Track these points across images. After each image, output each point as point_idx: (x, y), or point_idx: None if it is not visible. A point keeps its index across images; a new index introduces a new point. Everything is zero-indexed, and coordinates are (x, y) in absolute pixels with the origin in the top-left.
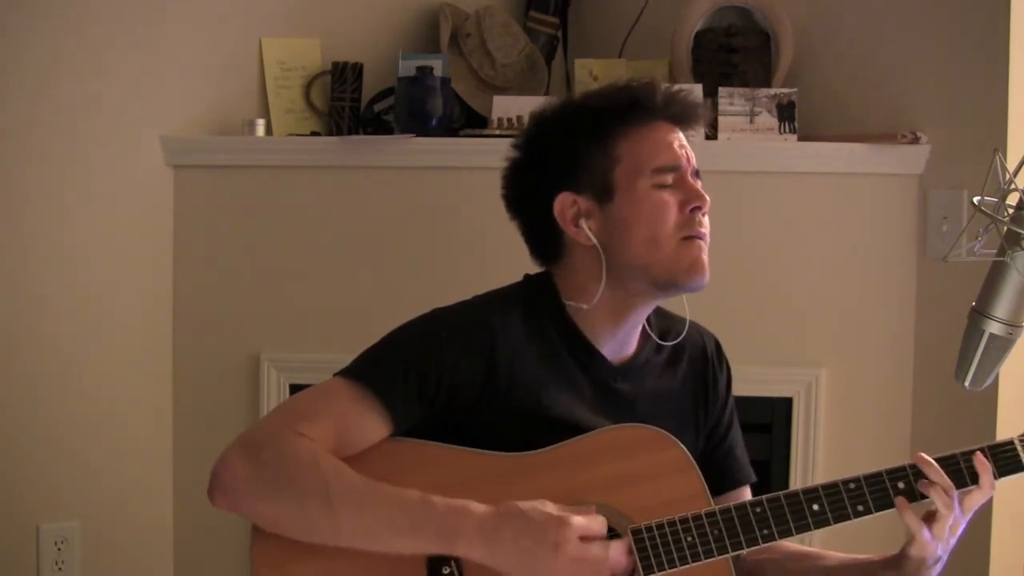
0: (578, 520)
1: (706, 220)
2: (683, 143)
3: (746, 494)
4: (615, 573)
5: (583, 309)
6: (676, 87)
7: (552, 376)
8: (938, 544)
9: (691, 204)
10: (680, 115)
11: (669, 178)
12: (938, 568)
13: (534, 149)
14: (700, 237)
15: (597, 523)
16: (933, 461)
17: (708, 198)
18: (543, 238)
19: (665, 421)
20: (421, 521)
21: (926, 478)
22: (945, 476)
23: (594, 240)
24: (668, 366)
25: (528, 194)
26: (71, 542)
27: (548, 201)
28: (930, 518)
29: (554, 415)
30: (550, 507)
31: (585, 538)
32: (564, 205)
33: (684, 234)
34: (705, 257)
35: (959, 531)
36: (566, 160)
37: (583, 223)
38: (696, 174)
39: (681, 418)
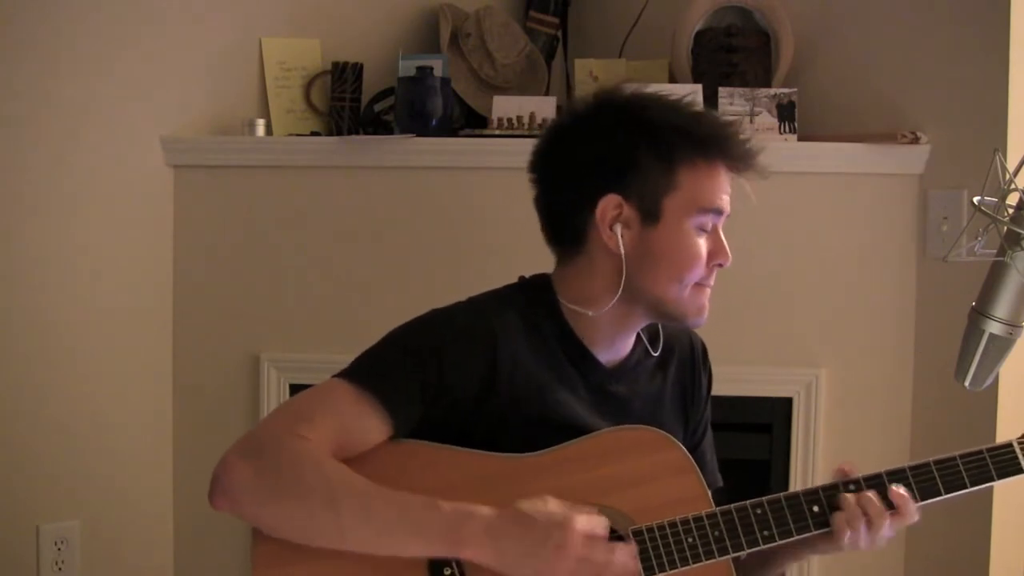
0: (582, 520)
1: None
2: (729, 190)
3: None
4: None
5: (587, 315)
6: (750, 139)
7: (551, 377)
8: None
9: (717, 259)
10: (745, 168)
11: (710, 223)
12: None
13: (596, 132)
14: (710, 286)
15: (600, 524)
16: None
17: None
18: (568, 222)
19: (659, 421)
20: (426, 523)
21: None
22: (855, 507)
23: (622, 251)
24: (659, 367)
25: (575, 174)
26: (71, 542)
27: (594, 193)
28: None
29: (555, 416)
30: (553, 506)
31: (590, 538)
32: (608, 206)
33: (700, 282)
34: (707, 302)
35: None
36: (626, 163)
37: (618, 229)
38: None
39: (673, 418)
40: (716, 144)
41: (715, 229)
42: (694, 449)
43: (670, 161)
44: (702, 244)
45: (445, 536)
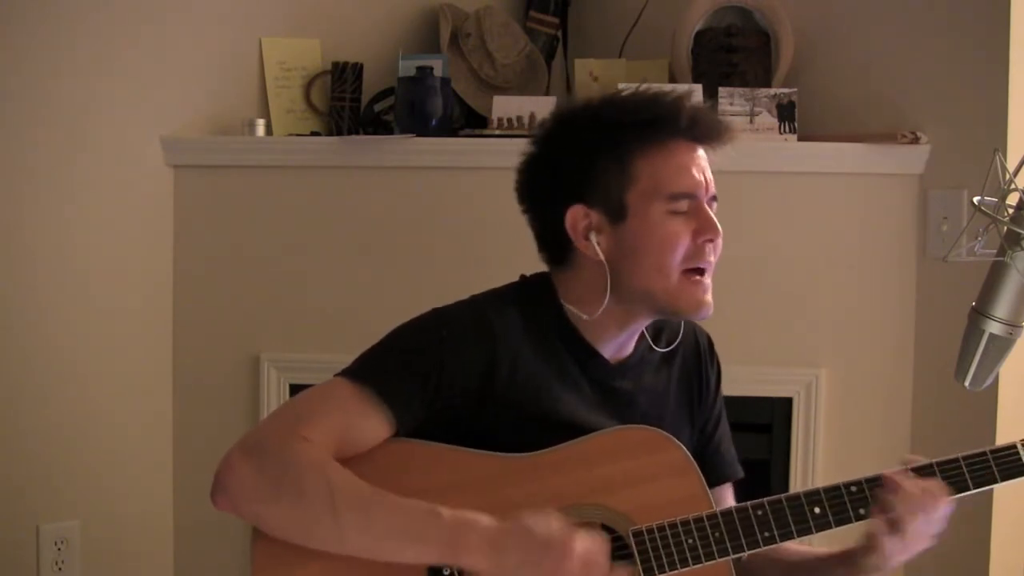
0: (582, 539)
1: (717, 248)
2: (703, 166)
3: (727, 491)
4: None
5: (584, 318)
6: (703, 105)
7: (552, 375)
8: (895, 552)
9: (704, 236)
10: (704, 135)
11: (684, 205)
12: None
13: (552, 152)
14: (707, 267)
15: (600, 543)
16: (900, 480)
17: (721, 229)
18: (552, 241)
19: (663, 417)
20: (427, 531)
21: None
22: (911, 488)
23: (602, 256)
24: (664, 363)
25: (542, 196)
26: (71, 542)
27: (561, 209)
28: (893, 525)
29: (555, 414)
30: (555, 522)
31: (588, 562)
32: (576, 217)
33: (691, 265)
34: (709, 297)
35: (922, 543)
36: (582, 172)
37: (593, 237)
38: (713, 199)
39: (678, 414)
40: (661, 124)
41: (697, 208)
42: (708, 442)
43: (622, 155)
44: (678, 227)
45: (445, 544)
